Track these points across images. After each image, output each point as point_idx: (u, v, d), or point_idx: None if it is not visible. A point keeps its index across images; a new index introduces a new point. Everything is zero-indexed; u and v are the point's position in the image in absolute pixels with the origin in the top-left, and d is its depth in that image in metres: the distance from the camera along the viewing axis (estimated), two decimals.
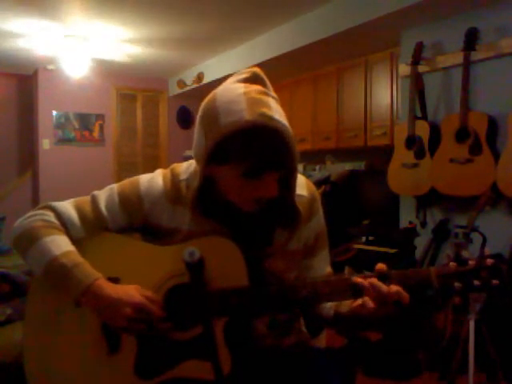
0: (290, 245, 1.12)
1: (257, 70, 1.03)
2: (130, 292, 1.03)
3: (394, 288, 0.97)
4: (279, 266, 1.11)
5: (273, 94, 1.00)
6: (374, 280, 0.98)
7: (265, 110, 0.93)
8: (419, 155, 3.08)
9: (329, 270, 1.23)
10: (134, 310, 1.00)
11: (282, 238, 1.11)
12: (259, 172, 0.95)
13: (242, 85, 0.98)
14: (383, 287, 0.97)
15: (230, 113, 0.93)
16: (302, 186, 1.16)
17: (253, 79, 1.01)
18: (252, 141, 0.92)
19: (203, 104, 1.01)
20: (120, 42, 4.73)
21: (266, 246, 1.10)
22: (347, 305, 1.08)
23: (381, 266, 1.01)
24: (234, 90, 0.97)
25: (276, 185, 0.99)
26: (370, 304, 0.97)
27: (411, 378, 2.54)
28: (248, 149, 0.93)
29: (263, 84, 1.01)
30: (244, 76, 1.01)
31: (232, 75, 1.05)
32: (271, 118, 0.93)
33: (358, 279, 0.99)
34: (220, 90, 1.00)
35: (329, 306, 1.16)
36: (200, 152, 0.99)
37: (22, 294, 2.03)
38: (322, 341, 1.41)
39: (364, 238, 3.60)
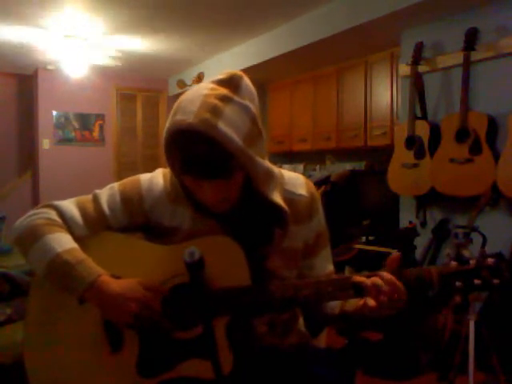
0: (286, 243, 1.12)
1: (237, 73, 1.02)
2: (134, 287, 1.03)
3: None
4: (279, 264, 1.11)
5: (241, 100, 0.99)
6: (376, 279, 0.98)
7: (210, 116, 0.93)
8: (419, 155, 3.08)
9: (331, 268, 1.23)
10: (138, 305, 1.01)
11: (279, 237, 1.11)
12: (193, 173, 0.97)
13: (210, 86, 0.99)
14: (384, 286, 0.97)
15: (183, 111, 0.96)
16: (302, 185, 1.17)
17: (227, 82, 1.00)
18: (184, 143, 0.95)
19: None
20: (120, 42, 4.73)
21: (265, 244, 1.10)
22: (353, 304, 1.08)
23: (396, 255, 1.01)
24: (200, 90, 0.99)
25: (217, 194, 1.00)
26: (372, 303, 0.97)
27: (411, 378, 2.54)
28: (183, 149, 0.96)
29: (235, 88, 0.99)
30: (219, 77, 1.01)
31: None
32: (212, 126, 0.93)
33: (360, 278, 1.00)
34: (192, 88, 1.02)
35: (333, 305, 1.15)
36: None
37: (22, 294, 2.03)
38: (322, 341, 1.41)
39: (364, 238, 3.60)
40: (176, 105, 1.01)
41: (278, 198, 1.09)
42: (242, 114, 0.98)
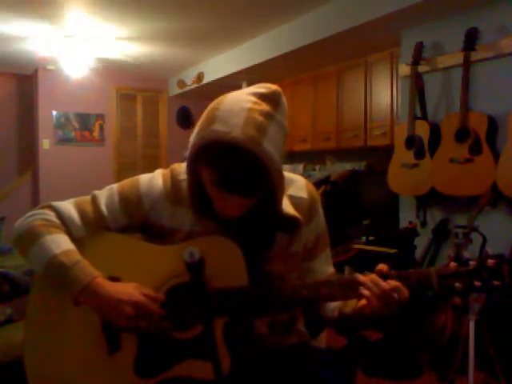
0: (292, 248, 1.12)
1: (277, 89, 1.00)
2: (130, 290, 1.03)
3: (393, 283, 0.97)
4: (280, 267, 1.11)
5: (281, 118, 0.98)
6: (374, 276, 0.99)
7: (256, 133, 0.92)
8: (419, 155, 3.08)
9: (331, 270, 1.23)
10: (133, 308, 1.01)
11: (283, 242, 1.11)
12: (225, 188, 0.96)
13: (253, 99, 0.96)
14: (383, 282, 0.98)
15: (225, 122, 0.93)
16: (302, 188, 1.16)
17: (269, 97, 0.98)
18: (229, 157, 0.93)
19: (212, 102, 1.00)
20: (120, 42, 4.73)
21: (267, 249, 1.10)
22: (351, 306, 1.08)
23: (382, 266, 1.01)
24: (241, 102, 0.96)
25: (238, 208, 1.00)
26: (375, 302, 0.98)
27: (411, 378, 2.54)
28: (222, 162, 0.94)
29: (276, 105, 0.98)
30: (261, 91, 0.98)
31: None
32: (258, 144, 0.92)
33: (360, 277, 1.00)
34: (231, 96, 0.99)
35: (332, 308, 1.16)
36: (189, 147, 0.99)
37: (22, 294, 2.03)
38: (322, 341, 1.41)
39: (364, 238, 3.60)
40: (211, 112, 0.97)
41: (288, 207, 1.09)
42: (280, 133, 0.97)
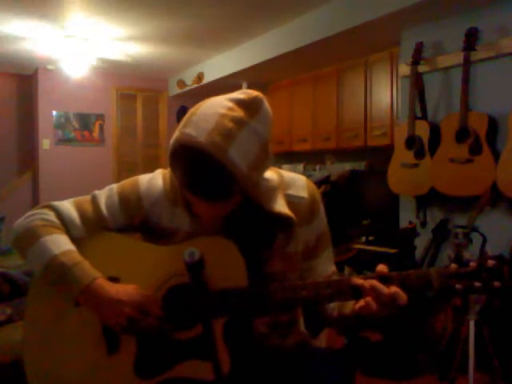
0: (289, 247, 1.12)
1: (258, 95, 0.99)
2: (130, 292, 1.03)
3: (392, 289, 0.97)
4: (279, 267, 1.11)
5: (257, 125, 0.96)
6: (375, 282, 0.98)
7: (221, 140, 0.92)
8: (419, 155, 3.08)
9: (333, 269, 1.23)
10: (133, 309, 1.01)
11: (280, 241, 1.11)
12: (192, 191, 0.97)
13: (230, 105, 0.96)
14: (384, 289, 0.97)
15: (196, 126, 0.94)
16: (303, 187, 1.16)
17: (247, 104, 0.96)
18: (191, 160, 0.93)
19: (196, 105, 1.01)
20: (120, 42, 4.74)
21: (265, 249, 1.10)
22: (350, 306, 1.08)
23: (382, 267, 1.01)
24: (217, 107, 0.96)
25: (212, 212, 1.00)
26: (373, 305, 0.97)
27: (411, 378, 2.54)
28: (188, 166, 0.94)
29: (253, 112, 0.96)
30: (240, 97, 0.97)
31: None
32: (222, 151, 0.91)
33: (359, 281, 0.99)
34: (211, 100, 0.99)
35: (332, 307, 1.16)
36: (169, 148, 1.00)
37: (22, 294, 2.03)
38: (322, 341, 1.41)
39: (364, 238, 3.60)
40: (188, 115, 0.98)
41: (282, 206, 1.08)
42: (253, 140, 0.96)
